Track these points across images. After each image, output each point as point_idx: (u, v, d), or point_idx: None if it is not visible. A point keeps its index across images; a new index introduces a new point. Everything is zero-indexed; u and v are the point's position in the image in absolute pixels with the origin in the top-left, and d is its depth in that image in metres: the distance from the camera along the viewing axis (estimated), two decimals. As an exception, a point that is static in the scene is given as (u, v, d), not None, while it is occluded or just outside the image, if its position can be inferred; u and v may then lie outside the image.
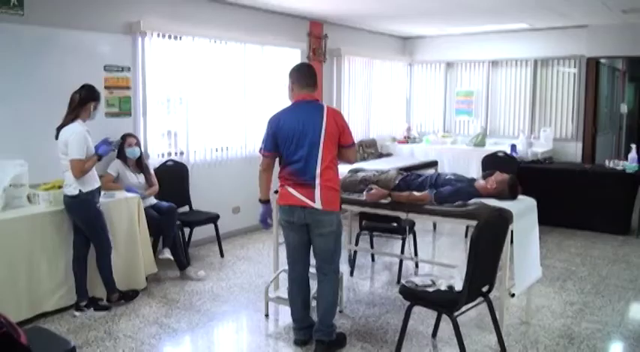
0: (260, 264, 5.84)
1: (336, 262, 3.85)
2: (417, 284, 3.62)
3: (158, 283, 5.23)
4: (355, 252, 5.69)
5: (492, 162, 7.13)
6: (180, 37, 6.11)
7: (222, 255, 6.09)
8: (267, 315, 4.51)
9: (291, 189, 3.70)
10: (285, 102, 3.88)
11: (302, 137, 3.64)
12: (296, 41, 7.63)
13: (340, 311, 4.52)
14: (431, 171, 6.32)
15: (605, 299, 4.93)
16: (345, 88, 8.60)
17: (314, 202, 3.63)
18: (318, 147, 3.62)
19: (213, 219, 6.02)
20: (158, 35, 5.88)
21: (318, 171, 3.63)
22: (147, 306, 4.69)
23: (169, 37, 6.01)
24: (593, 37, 8.38)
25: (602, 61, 9.00)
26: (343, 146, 3.73)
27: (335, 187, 3.70)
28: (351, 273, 5.54)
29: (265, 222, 4.00)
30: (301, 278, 3.93)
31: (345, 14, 7.64)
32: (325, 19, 7.98)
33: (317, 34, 8.02)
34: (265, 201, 3.93)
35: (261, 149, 3.84)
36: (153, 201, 5.50)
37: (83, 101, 4.35)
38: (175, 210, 5.47)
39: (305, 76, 3.79)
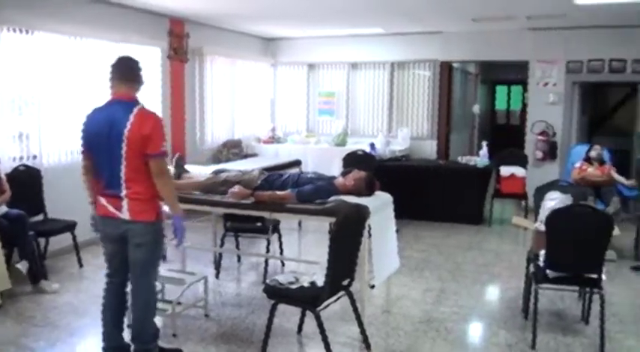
0: (122, 271, 5.59)
1: (146, 276, 3.50)
2: (280, 283, 3.66)
3: (13, 300, 4.82)
4: (220, 254, 5.64)
5: (352, 161, 7.39)
6: (33, 32, 5.74)
7: (81, 265, 5.75)
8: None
9: (102, 200, 3.42)
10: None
11: (105, 143, 3.27)
12: (156, 39, 7.40)
13: (206, 315, 4.47)
14: (294, 171, 6.41)
15: (460, 284, 5.27)
16: (208, 88, 8.50)
17: (121, 212, 3.35)
18: (120, 156, 3.25)
19: (69, 227, 5.68)
20: (8, 29, 5.49)
21: (122, 183, 3.30)
22: (1, 326, 4.33)
23: (20, 31, 5.62)
24: (446, 42, 8.94)
25: (455, 65, 9.61)
26: (146, 155, 3.25)
27: (144, 199, 3.34)
28: (217, 276, 5.47)
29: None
30: (115, 290, 3.62)
31: (206, 13, 7.54)
32: (187, 17, 7.81)
33: (178, 33, 7.84)
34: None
35: None
36: (4, 209, 5.09)
37: None
38: (26, 217, 5.10)
39: (124, 71, 3.37)
